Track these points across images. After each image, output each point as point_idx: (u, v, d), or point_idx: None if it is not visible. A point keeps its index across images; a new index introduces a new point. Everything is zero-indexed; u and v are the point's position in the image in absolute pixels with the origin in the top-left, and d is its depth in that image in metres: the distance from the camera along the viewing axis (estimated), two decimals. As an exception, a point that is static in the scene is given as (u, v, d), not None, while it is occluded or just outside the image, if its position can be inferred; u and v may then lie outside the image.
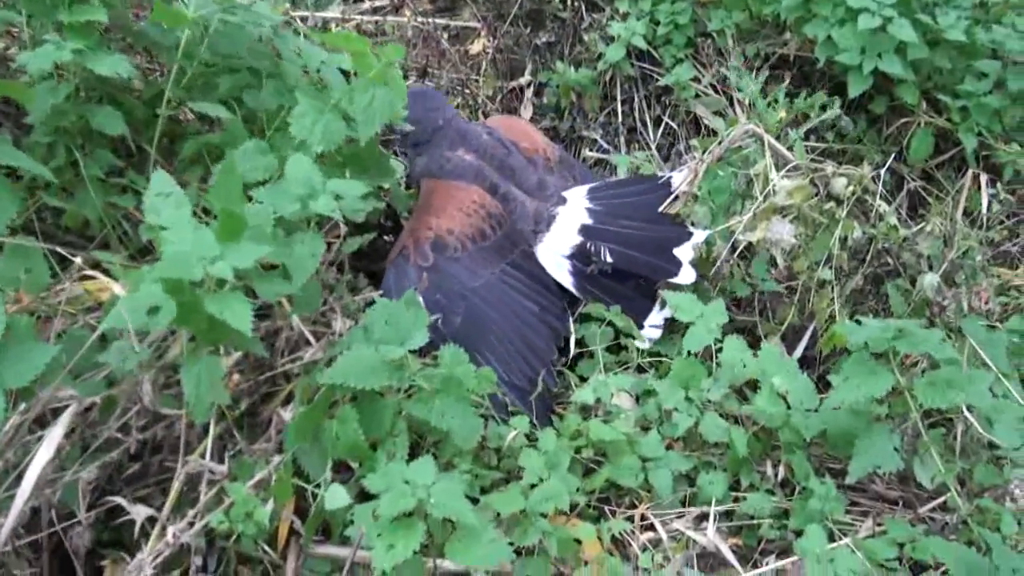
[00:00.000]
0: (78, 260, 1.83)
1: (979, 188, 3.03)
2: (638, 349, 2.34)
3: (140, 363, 1.80)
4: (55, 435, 1.70)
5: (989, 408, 2.00)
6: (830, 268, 2.31)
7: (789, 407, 2.07)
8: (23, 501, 1.66)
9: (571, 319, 2.40)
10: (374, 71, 2.04)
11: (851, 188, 2.26)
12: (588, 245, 2.41)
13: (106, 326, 1.67)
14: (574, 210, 2.52)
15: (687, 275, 2.34)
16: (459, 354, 1.91)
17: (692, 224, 2.41)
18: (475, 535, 1.61)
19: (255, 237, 1.84)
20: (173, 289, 1.66)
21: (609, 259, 2.37)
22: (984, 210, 2.96)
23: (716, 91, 3.32)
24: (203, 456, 1.87)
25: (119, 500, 1.82)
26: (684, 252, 2.36)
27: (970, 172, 3.06)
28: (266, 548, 1.86)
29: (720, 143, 2.43)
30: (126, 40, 2.35)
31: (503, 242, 2.41)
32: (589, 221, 2.48)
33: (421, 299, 2.16)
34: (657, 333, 2.34)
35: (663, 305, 2.33)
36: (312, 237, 1.95)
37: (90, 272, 2.00)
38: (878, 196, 2.32)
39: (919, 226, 2.41)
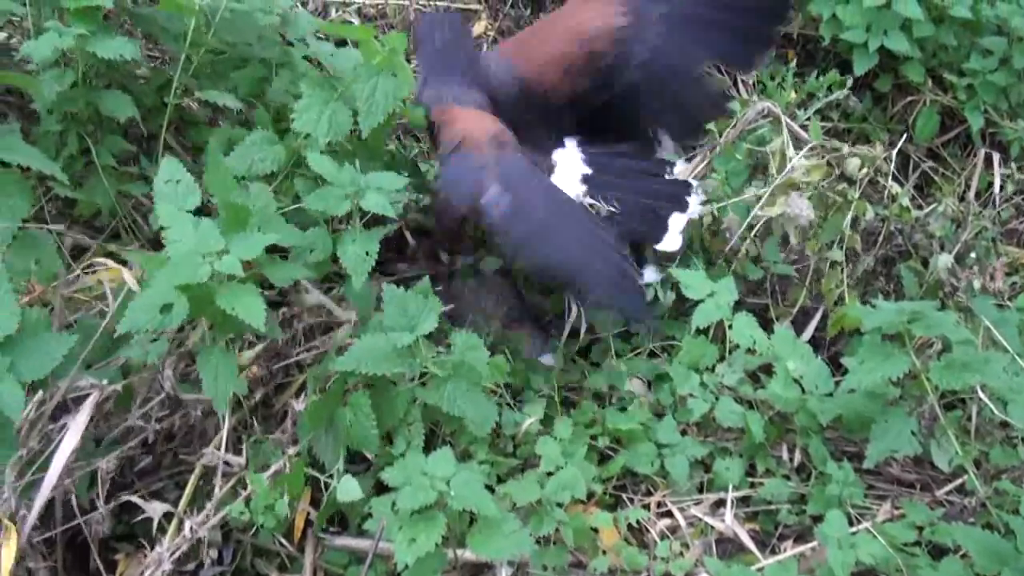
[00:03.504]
0: (94, 246, 1.80)
1: (987, 167, 3.02)
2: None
3: (159, 353, 1.79)
4: (79, 422, 1.69)
5: (1004, 389, 1.99)
6: (841, 249, 2.29)
7: (804, 391, 2.06)
8: (49, 489, 1.65)
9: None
10: (378, 59, 2.01)
11: (865, 170, 2.24)
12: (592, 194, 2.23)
13: (122, 328, 1.65)
14: (572, 157, 2.35)
15: (673, 242, 2.20)
16: (472, 339, 1.89)
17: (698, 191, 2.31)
18: (496, 526, 1.60)
19: (261, 224, 1.82)
20: (184, 286, 1.65)
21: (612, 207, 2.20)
22: (996, 189, 2.95)
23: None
24: (219, 448, 1.85)
25: (135, 499, 1.81)
26: (676, 221, 2.22)
27: (982, 152, 3.05)
28: (282, 541, 1.85)
29: (735, 124, 2.41)
30: (125, 27, 2.32)
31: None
32: (588, 171, 2.30)
33: (492, 190, 1.96)
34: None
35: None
36: (363, 234, 1.93)
37: (101, 260, 1.99)
38: (890, 177, 2.30)
39: (931, 207, 2.39)
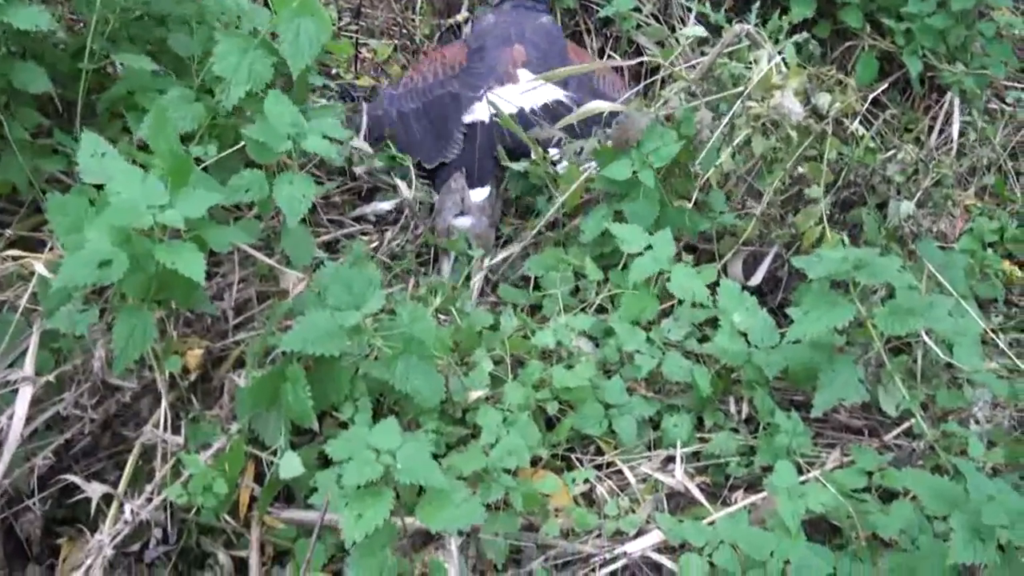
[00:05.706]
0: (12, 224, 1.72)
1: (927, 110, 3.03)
2: (597, 284, 2.28)
3: (91, 327, 1.73)
4: (19, 413, 1.66)
5: (949, 332, 1.99)
6: (819, 186, 2.26)
7: (749, 344, 2.05)
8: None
9: None
10: (296, 2, 1.94)
11: (836, 105, 2.19)
12: None
13: (57, 284, 1.58)
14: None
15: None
16: (418, 311, 1.85)
17: None
18: (445, 497, 1.56)
19: (203, 184, 1.77)
20: (122, 241, 1.60)
21: None
22: (955, 136, 2.95)
23: (658, 20, 3.25)
24: (157, 427, 1.80)
25: (74, 479, 1.76)
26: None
27: (948, 96, 3.06)
28: (227, 518, 1.81)
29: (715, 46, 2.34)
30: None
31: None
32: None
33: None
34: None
35: None
36: (300, 178, 1.89)
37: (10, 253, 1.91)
38: (858, 119, 2.28)
39: (890, 152, 2.37)
